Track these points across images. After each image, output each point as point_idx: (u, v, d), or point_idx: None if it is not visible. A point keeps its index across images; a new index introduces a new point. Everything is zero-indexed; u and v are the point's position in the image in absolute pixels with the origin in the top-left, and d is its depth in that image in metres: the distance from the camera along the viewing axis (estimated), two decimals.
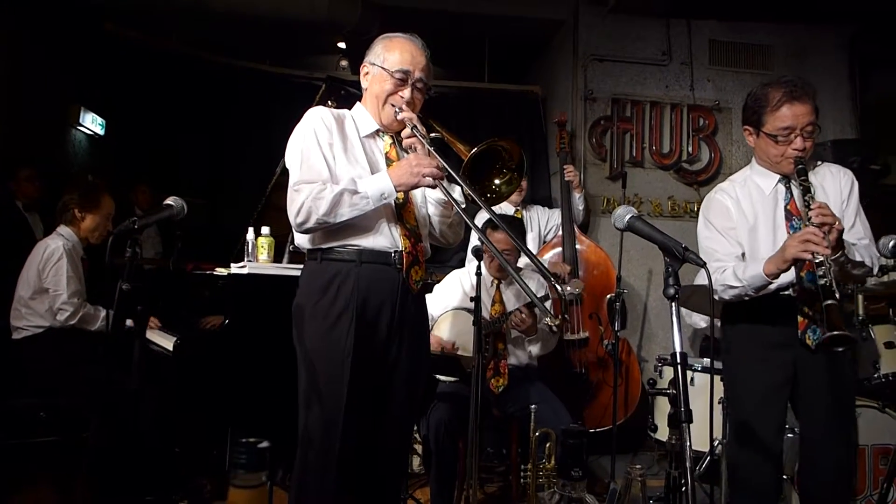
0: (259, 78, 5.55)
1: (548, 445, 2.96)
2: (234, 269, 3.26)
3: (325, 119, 2.15)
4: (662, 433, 3.60)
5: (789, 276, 2.21)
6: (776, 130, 2.24)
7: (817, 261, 1.98)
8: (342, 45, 6.20)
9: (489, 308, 3.37)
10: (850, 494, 2.42)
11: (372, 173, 2.14)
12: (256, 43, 5.77)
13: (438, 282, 3.68)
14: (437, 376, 3.29)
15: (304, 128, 2.14)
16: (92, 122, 5.21)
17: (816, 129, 2.25)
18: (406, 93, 2.16)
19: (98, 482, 2.92)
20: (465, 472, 3.03)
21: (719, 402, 2.43)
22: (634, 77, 5.18)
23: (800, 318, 2.25)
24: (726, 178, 2.54)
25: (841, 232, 2.04)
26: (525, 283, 1.98)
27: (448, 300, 3.46)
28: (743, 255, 2.33)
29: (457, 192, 2.20)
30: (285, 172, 2.19)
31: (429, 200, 2.29)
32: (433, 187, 2.09)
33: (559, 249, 4.48)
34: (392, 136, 2.25)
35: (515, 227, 3.61)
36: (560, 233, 4.51)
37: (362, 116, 2.24)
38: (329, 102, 3.74)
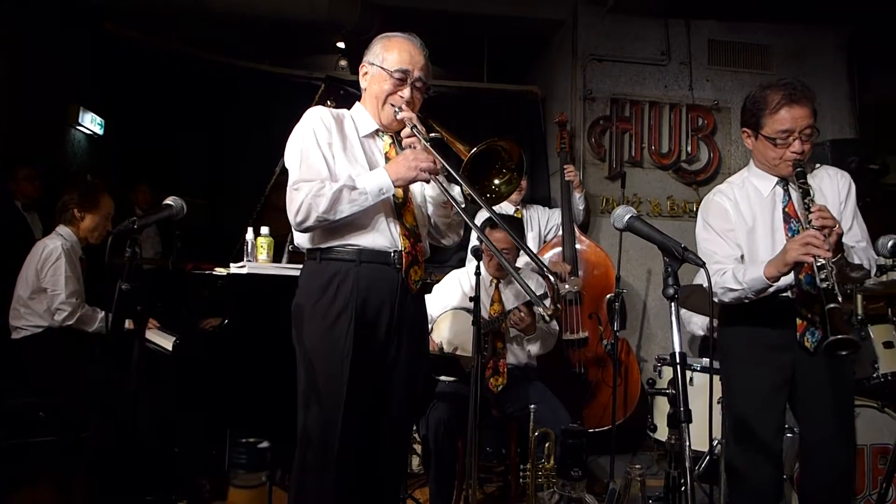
0: (258, 78, 5.55)
1: (547, 445, 2.96)
2: (234, 268, 3.26)
3: (324, 119, 2.15)
4: (662, 433, 3.60)
5: (788, 278, 2.20)
6: (775, 133, 2.23)
7: (819, 264, 1.97)
8: (341, 44, 6.20)
9: (488, 308, 3.37)
10: (850, 495, 2.42)
11: None
12: (256, 43, 5.78)
13: (437, 282, 3.68)
14: (437, 376, 3.29)
15: (303, 127, 2.14)
16: (91, 122, 5.21)
17: (815, 132, 2.24)
18: (405, 92, 2.16)
19: (97, 482, 2.92)
20: (464, 472, 3.04)
21: (718, 402, 2.44)
22: (633, 77, 5.18)
23: (798, 321, 2.25)
24: (725, 177, 2.55)
25: (841, 235, 2.04)
26: (522, 278, 1.99)
27: (447, 300, 3.47)
28: (742, 256, 2.33)
29: (456, 192, 2.20)
30: (284, 172, 2.19)
31: (428, 200, 2.29)
32: (429, 181, 2.09)
33: (559, 249, 4.48)
34: (391, 136, 2.25)
35: (514, 226, 3.62)
36: (560, 233, 4.51)
37: (361, 116, 2.24)
38: (328, 102, 3.74)
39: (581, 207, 4.60)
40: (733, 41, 5.27)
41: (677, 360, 1.65)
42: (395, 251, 2.14)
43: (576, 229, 4.52)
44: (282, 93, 5.42)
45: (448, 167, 2.06)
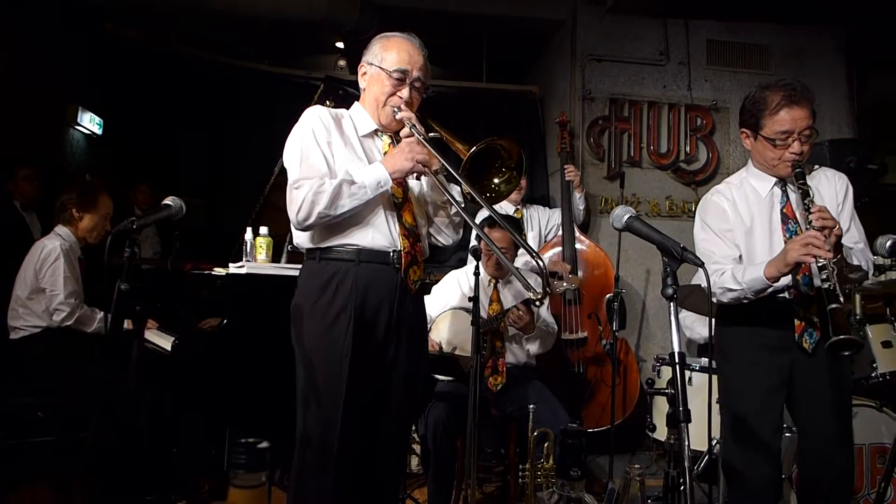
0: (258, 78, 5.56)
1: (546, 445, 2.96)
2: (233, 268, 3.26)
3: (323, 118, 2.15)
4: (661, 433, 3.60)
5: (786, 279, 2.20)
6: (774, 134, 2.23)
7: (820, 264, 1.97)
8: (340, 44, 6.20)
9: (487, 307, 3.38)
10: (849, 495, 2.42)
11: None
12: (255, 43, 5.78)
13: (436, 282, 3.69)
14: (436, 375, 3.29)
15: (303, 126, 2.14)
16: (90, 122, 5.21)
17: (814, 133, 2.24)
18: (404, 92, 2.16)
19: (96, 482, 2.91)
20: (463, 472, 3.04)
21: (717, 402, 2.43)
22: (632, 77, 5.19)
23: (796, 322, 2.25)
24: (724, 178, 2.55)
25: (840, 235, 2.04)
26: (517, 270, 1.99)
27: (446, 301, 3.47)
28: (740, 257, 2.33)
29: (456, 191, 2.21)
30: (283, 172, 2.19)
31: (428, 200, 2.29)
32: (426, 173, 2.10)
33: (559, 249, 4.49)
34: (390, 136, 2.25)
35: (512, 225, 3.62)
36: (560, 232, 4.52)
37: (360, 116, 2.25)
38: (327, 102, 3.74)
39: (581, 207, 4.60)
40: (732, 41, 5.27)
41: (676, 360, 1.66)
42: (394, 251, 2.14)
43: (575, 229, 4.53)
44: (281, 93, 5.43)
45: (448, 166, 2.06)
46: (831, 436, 2.24)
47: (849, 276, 2.19)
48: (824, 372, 2.23)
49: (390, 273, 2.14)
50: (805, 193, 2.14)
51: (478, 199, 2.03)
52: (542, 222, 4.64)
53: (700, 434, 2.73)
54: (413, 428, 3.31)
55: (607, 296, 4.33)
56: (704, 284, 1.81)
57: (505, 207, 4.39)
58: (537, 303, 3.03)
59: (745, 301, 2.23)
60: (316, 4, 5.01)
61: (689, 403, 1.64)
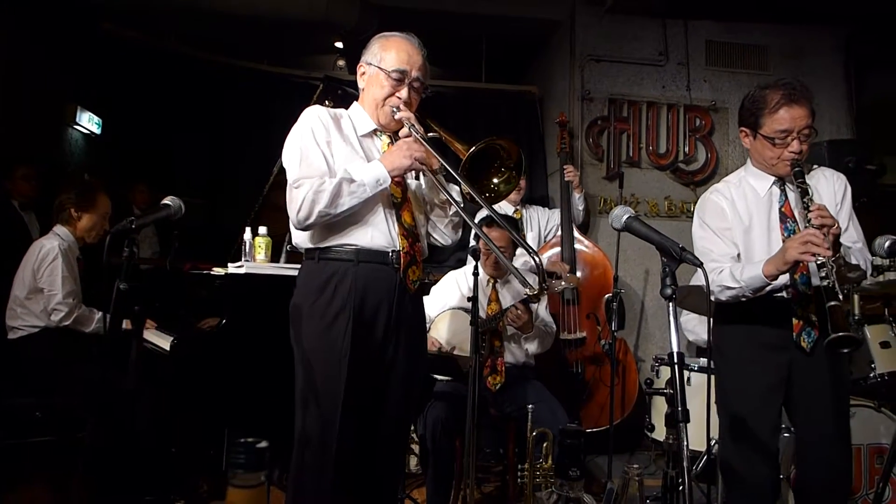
0: (257, 77, 5.56)
1: (545, 445, 2.96)
2: (232, 268, 3.25)
3: (322, 117, 2.16)
4: (659, 433, 3.60)
5: (784, 278, 2.21)
6: (773, 133, 2.24)
7: (819, 262, 1.98)
8: (339, 44, 6.20)
9: (485, 307, 3.38)
10: (847, 495, 2.43)
11: None
12: (254, 43, 5.78)
13: (435, 282, 3.69)
14: (434, 375, 3.29)
15: (302, 126, 2.14)
16: (88, 121, 5.20)
17: (813, 133, 2.25)
18: (403, 93, 2.16)
19: (95, 482, 2.91)
20: (462, 472, 3.03)
21: (716, 402, 2.44)
22: (631, 77, 5.19)
23: (794, 321, 2.25)
24: (722, 178, 2.55)
25: (839, 234, 2.05)
26: (515, 268, 1.99)
27: (445, 301, 3.47)
28: (738, 255, 2.34)
29: (455, 191, 2.21)
30: (283, 172, 2.19)
31: (427, 200, 2.29)
32: (424, 170, 2.10)
33: (558, 249, 4.49)
34: (390, 136, 2.25)
35: (510, 224, 3.62)
36: (559, 233, 4.52)
37: (359, 116, 2.24)
38: (326, 102, 3.74)
39: (581, 208, 4.60)
40: (731, 42, 5.28)
41: (675, 360, 1.66)
42: (392, 251, 2.14)
43: (574, 229, 4.53)
44: (280, 92, 5.43)
45: (447, 166, 2.07)
46: (829, 436, 2.24)
47: (847, 276, 2.19)
48: (822, 372, 2.23)
49: (389, 273, 2.14)
50: (804, 192, 2.14)
51: (477, 198, 2.03)
52: (541, 223, 4.64)
53: (699, 434, 2.73)
54: (412, 428, 3.31)
55: (606, 296, 4.33)
56: (703, 284, 1.81)
57: (504, 208, 4.40)
58: (534, 299, 3.03)
59: (744, 299, 2.23)
60: (315, 4, 5.01)
61: (688, 403, 1.64)
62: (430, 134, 2.17)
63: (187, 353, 3.09)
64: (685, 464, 1.62)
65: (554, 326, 3.58)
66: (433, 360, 3.15)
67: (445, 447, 3.05)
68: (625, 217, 1.89)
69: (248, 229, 3.40)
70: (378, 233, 2.13)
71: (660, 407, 3.61)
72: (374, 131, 2.25)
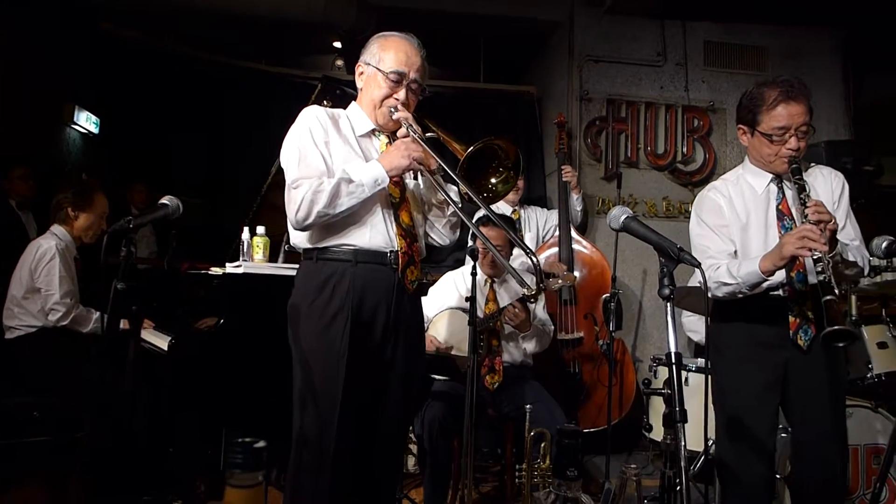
0: (255, 77, 5.56)
1: (543, 445, 2.96)
2: (230, 268, 3.25)
3: (320, 117, 2.16)
4: (657, 433, 3.60)
5: (780, 276, 2.22)
6: (771, 130, 2.24)
7: (815, 257, 1.99)
8: (338, 44, 6.20)
9: (483, 307, 3.38)
10: (843, 494, 2.43)
11: None
12: (253, 42, 5.77)
13: (434, 282, 3.69)
14: (432, 375, 3.29)
15: (300, 126, 2.14)
16: (86, 121, 5.20)
17: (810, 130, 2.26)
18: (401, 94, 2.16)
19: (92, 482, 2.91)
20: (459, 472, 3.04)
21: (713, 401, 2.44)
22: (630, 78, 5.19)
23: (791, 319, 2.26)
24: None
25: (836, 230, 2.06)
26: (513, 268, 2.00)
27: (443, 301, 3.47)
28: (735, 252, 2.34)
29: (453, 191, 2.21)
30: (281, 172, 2.18)
31: (425, 200, 2.29)
32: (422, 170, 2.10)
33: (555, 249, 4.49)
34: (388, 136, 2.25)
35: (507, 224, 3.63)
36: (557, 233, 4.52)
37: (357, 116, 2.24)
38: (325, 102, 3.74)
39: (579, 209, 4.61)
40: (729, 42, 5.28)
41: (673, 361, 1.66)
42: (391, 251, 2.14)
43: (572, 230, 4.53)
44: (278, 92, 5.43)
45: (445, 166, 2.07)
46: (825, 434, 2.25)
47: (845, 273, 2.20)
48: (819, 370, 2.24)
49: (387, 273, 2.14)
50: (801, 188, 2.15)
51: (475, 198, 2.04)
52: (539, 223, 4.64)
53: (696, 434, 2.74)
54: (409, 427, 3.31)
55: (604, 296, 4.34)
56: (701, 283, 1.81)
57: (502, 208, 4.40)
58: (532, 299, 3.03)
59: (740, 295, 2.24)
60: (313, 4, 5.01)
61: (686, 404, 1.64)
62: (428, 134, 2.17)
63: (185, 353, 3.09)
64: (683, 464, 1.62)
65: (552, 326, 3.58)
66: (431, 360, 3.16)
67: (443, 447, 3.05)
68: (623, 217, 1.89)
69: (246, 229, 3.40)
70: (376, 233, 2.13)
71: (657, 407, 3.61)
72: (373, 131, 2.25)
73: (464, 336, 2.94)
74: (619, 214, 1.90)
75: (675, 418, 1.62)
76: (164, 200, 2.13)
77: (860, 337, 3.21)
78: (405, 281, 2.15)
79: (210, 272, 3.41)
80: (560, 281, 3.18)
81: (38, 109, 4.75)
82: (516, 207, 4.55)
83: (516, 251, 3.65)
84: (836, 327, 1.90)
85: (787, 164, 2.23)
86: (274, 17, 5.09)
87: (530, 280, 1.93)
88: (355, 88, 2.29)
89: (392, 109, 2.15)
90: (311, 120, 2.14)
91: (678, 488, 1.67)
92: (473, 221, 2.25)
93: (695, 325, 3.89)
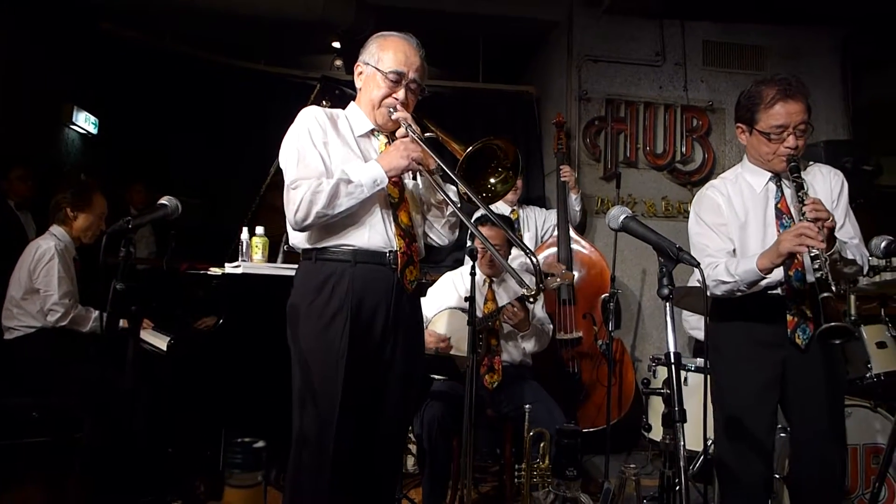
0: (254, 77, 5.55)
1: (542, 445, 2.96)
2: (229, 268, 3.25)
3: (319, 118, 2.15)
4: (656, 433, 3.60)
5: (778, 274, 2.22)
6: (769, 128, 2.25)
7: (812, 254, 1.99)
8: (336, 44, 6.20)
9: (482, 307, 3.38)
10: (842, 493, 2.43)
11: None
12: (252, 42, 5.77)
13: (433, 282, 3.69)
14: (432, 375, 3.29)
15: (299, 127, 2.14)
16: (85, 121, 5.20)
17: (809, 128, 2.26)
18: (400, 94, 2.16)
19: (91, 482, 2.91)
20: (458, 472, 3.04)
21: (712, 400, 2.44)
22: (628, 77, 5.19)
23: (789, 317, 2.26)
24: None
25: (833, 228, 2.06)
26: (512, 267, 2.00)
27: (442, 302, 3.47)
28: (734, 250, 2.35)
29: (452, 191, 2.21)
30: (280, 172, 2.18)
31: (424, 200, 2.29)
32: (421, 171, 2.10)
33: (554, 249, 4.49)
34: (387, 136, 2.25)
35: (505, 224, 3.63)
36: (556, 233, 4.52)
37: (356, 116, 2.24)
38: (324, 102, 3.74)
39: (577, 209, 4.61)
40: (728, 42, 5.28)
41: (672, 360, 1.66)
42: (390, 251, 2.14)
43: (571, 230, 4.53)
44: (277, 92, 5.43)
45: (444, 166, 2.07)
46: (824, 433, 2.25)
47: (844, 271, 2.20)
48: (817, 369, 2.24)
49: (387, 273, 2.13)
50: (799, 186, 2.15)
51: (474, 198, 2.04)
52: (538, 223, 4.64)
53: (695, 434, 2.74)
54: (409, 427, 3.31)
55: (603, 296, 4.34)
56: (700, 281, 1.81)
57: (501, 208, 4.40)
58: (531, 299, 3.03)
59: (739, 293, 2.24)
60: (312, 4, 5.01)
61: (685, 403, 1.64)
62: (428, 134, 2.17)
63: (184, 353, 3.09)
64: (682, 463, 1.62)
65: (550, 325, 3.58)
66: (430, 360, 3.16)
67: (442, 447, 3.05)
68: (622, 217, 1.89)
69: (245, 229, 3.40)
70: (375, 233, 2.13)
71: (657, 407, 3.61)
72: (372, 131, 2.25)
73: (463, 335, 2.94)
74: (618, 214, 1.90)
75: (675, 418, 1.62)
76: (163, 201, 2.13)
77: (857, 334, 3.21)
78: (404, 281, 2.15)
79: (209, 272, 3.41)
80: (558, 279, 3.18)
81: (37, 110, 4.74)
82: (515, 207, 4.55)
83: (514, 251, 3.66)
84: (832, 324, 1.90)
85: (786, 162, 2.24)
86: (273, 16, 5.09)
87: (529, 280, 1.94)
88: (354, 88, 2.28)
89: (391, 109, 2.15)
90: (310, 120, 2.14)
91: (677, 488, 1.67)
92: (472, 221, 2.24)
93: (697, 324, 3.90)
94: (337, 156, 2.13)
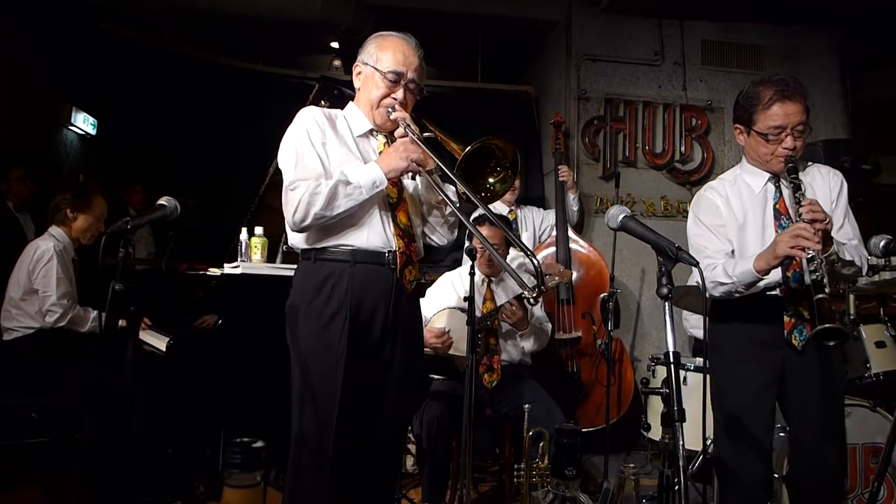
0: (253, 78, 5.55)
1: (541, 445, 2.97)
2: (228, 269, 3.25)
3: (317, 118, 2.15)
4: (656, 432, 3.60)
5: (776, 275, 2.22)
6: (767, 129, 2.24)
7: (808, 256, 1.99)
8: (335, 44, 6.20)
9: (481, 307, 3.38)
10: (842, 493, 2.43)
11: None
12: (250, 42, 5.77)
13: (432, 282, 3.69)
14: (431, 374, 3.29)
15: (297, 128, 2.14)
16: (84, 122, 5.19)
17: (807, 129, 2.26)
18: (398, 94, 2.16)
19: (91, 483, 2.91)
20: (458, 472, 3.04)
21: (712, 400, 2.44)
22: (627, 77, 5.19)
23: (786, 318, 2.26)
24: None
25: (830, 229, 2.06)
26: (510, 266, 2.00)
27: (441, 302, 3.47)
28: (732, 252, 2.34)
29: (451, 191, 2.21)
30: (279, 172, 2.19)
31: (423, 199, 2.29)
32: (420, 172, 2.10)
33: (553, 249, 4.49)
34: (386, 136, 2.25)
35: (505, 224, 3.63)
36: (554, 233, 4.52)
37: (355, 116, 2.24)
38: (323, 102, 3.74)
39: (575, 208, 4.61)
40: (727, 41, 5.28)
41: (671, 360, 1.66)
42: (389, 251, 2.14)
43: (570, 229, 4.53)
44: (276, 93, 5.42)
45: (442, 166, 2.07)
46: (823, 434, 2.25)
47: (842, 272, 2.20)
48: (817, 370, 2.24)
49: (386, 273, 2.13)
50: (796, 187, 2.15)
51: (473, 198, 2.04)
52: (535, 223, 4.65)
53: (695, 433, 2.74)
54: (408, 427, 3.31)
55: (602, 295, 4.34)
56: (699, 282, 1.81)
57: (499, 208, 4.40)
58: (532, 301, 3.03)
59: (737, 295, 2.24)
60: (310, 4, 5.01)
61: (684, 403, 1.64)
62: (426, 134, 2.17)
63: (183, 353, 3.09)
64: (681, 463, 1.62)
65: (549, 324, 3.59)
66: (429, 360, 3.16)
67: (441, 447, 3.05)
68: (621, 217, 1.89)
69: (244, 230, 3.40)
70: (374, 233, 2.13)
71: (656, 406, 3.61)
72: (370, 131, 2.24)
73: (462, 335, 2.95)
74: (617, 214, 1.90)
75: (674, 417, 1.62)
76: (162, 201, 2.13)
77: (855, 333, 3.21)
78: (403, 281, 2.15)
79: (208, 273, 3.42)
80: (556, 278, 3.19)
81: (36, 111, 4.74)
82: (512, 207, 4.56)
83: (512, 251, 3.66)
84: (826, 325, 1.91)
85: (784, 163, 2.23)
86: (272, 16, 5.09)
87: (528, 279, 1.94)
88: (353, 88, 2.28)
89: (390, 109, 2.15)
90: (309, 121, 2.14)
91: (676, 487, 1.68)
92: (471, 221, 2.24)
93: (697, 323, 3.90)
94: (335, 156, 2.13)
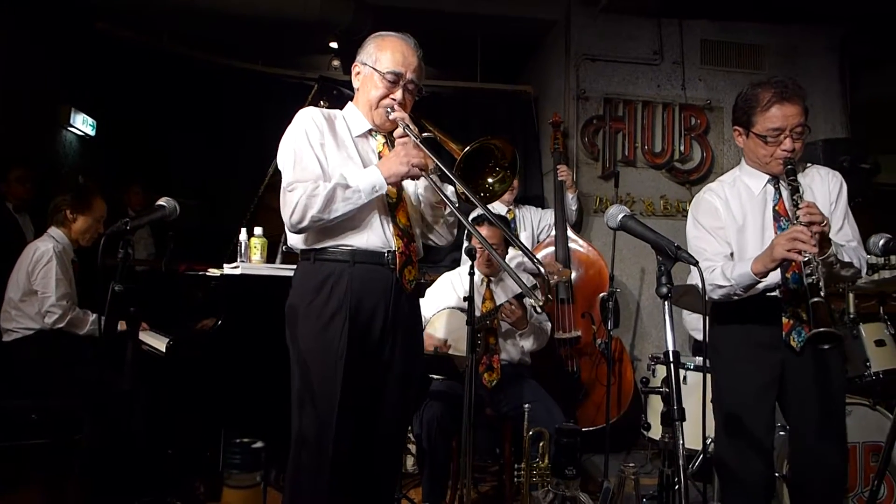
0: (251, 78, 5.55)
1: (541, 444, 2.97)
2: (227, 269, 3.25)
3: (316, 119, 2.15)
4: (655, 431, 3.60)
5: (775, 276, 2.22)
6: (766, 131, 2.24)
7: (805, 259, 1.99)
8: (334, 44, 6.20)
9: (480, 306, 3.38)
10: (842, 493, 2.43)
11: None
12: (249, 43, 5.77)
13: (431, 282, 3.69)
14: (431, 374, 3.29)
15: (296, 128, 2.14)
16: (83, 123, 5.18)
17: (806, 131, 2.25)
18: (397, 94, 2.16)
19: (91, 484, 2.91)
20: (458, 472, 3.04)
21: (712, 400, 2.44)
22: (626, 76, 5.19)
23: (784, 320, 2.26)
24: (718, 177, 2.56)
25: (827, 232, 2.05)
26: (510, 266, 2.00)
27: (440, 302, 3.47)
28: (732, 254, 2.34)
29: (450, 191, 2.21)
30: (278, 173, 2.19)
31: (422, 200, 2.29)
32: (420, 177, 2.10)
33: (552, 249, 4.49)
34: (385, 136, 2.25)
35: (504, 224, 3.63)
36: (553, 233, 4.52)
37: (354, 116, 2.24)
38: (321, 102, 3.74)
39: (574, 208, 4.61)
40: (726, 41, 5.28)
41: (670, 359, 1.66)
42: (388, 251, 2.14)
43: (569, 229, 4.53)
44: (275, 93, 5.42)
45: (442, 166, 2.07)
46: (823, 433, 2.25)
47: (841, 274, 2.20)
48: (817, 371, 2.23)
49: (385, 273, 2.14)
50: (795, 189, 2.15)
51: (472, 198, 2.04)
52: (534, 223, 4.64)
53: (695, 433, 2.74)
54: (408, 427, 3.31)
55: (601, 295, 4.34)
56: (698, 283, 1.81)
57: (497, 208, 4.39)
58: (538, 308, 3.05)
59: (736, 297, 2.24)
60: (310, 4, 5.01)
61: (684, 402, 1.65)
62: (425, 134, 2.17)
63: (183, 354, 3.09)
64: (681, 462, 1.62)
65: (549, 323, 3.58)
66: (429, 360, 3.16)
67: (441, 447, 3.05)
68: (620, 216, 1.89)
69: (243, 230, 3.40)
70: (373, 233, 2.13)
71: (656, 406, 3.61)
72: (369, 131, 2.24)
73: (462, 335, 2.95)
74: (616, 213, 1.90)
75: (674, 417, 1.62)
76: (161, 202, 2.13)
77: (855, 332, 3.22)
78: (403, 281, 2.16)
79: (208, 273, 3.41)
80: (555, 276, 3.19)
81: (34, 111, 4.74)
82: (511, 207, 4.56)
83: (511, 251, 3.66)
84: (820, 329, 1.91)
85: (783, 165, 2.23)
86: (271, 17, 5.08)
87: (527, 279, 1.95)
88: (352, 89, 2.28)
89: (389, 110, 2.15)
90: (307, 122, 2.13)
91: (676, 487, 1.68)
92: (470, 220, 2.24)
93: (697, 323, 3.90)
94: (334, 157, 2.13)
